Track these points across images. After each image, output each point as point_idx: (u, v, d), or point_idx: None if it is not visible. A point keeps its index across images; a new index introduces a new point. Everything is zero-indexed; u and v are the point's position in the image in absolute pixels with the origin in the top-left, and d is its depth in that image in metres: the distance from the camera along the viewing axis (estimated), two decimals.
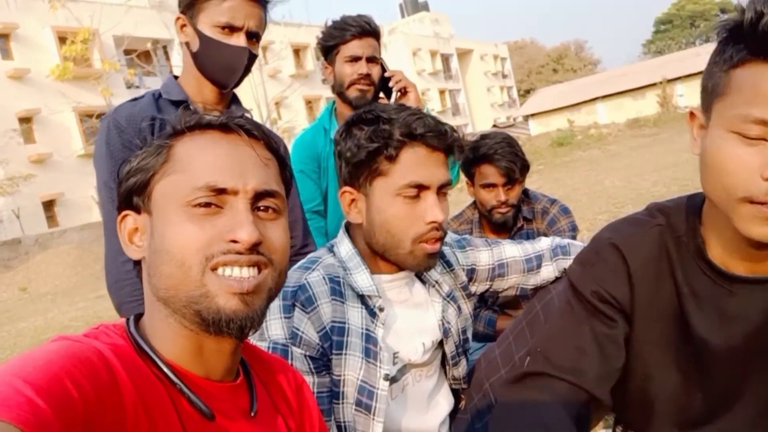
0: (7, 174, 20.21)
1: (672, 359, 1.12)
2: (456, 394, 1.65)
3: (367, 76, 2.28)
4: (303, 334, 1.30)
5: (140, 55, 23.12)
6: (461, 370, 1.61)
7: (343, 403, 1.36)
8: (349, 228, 1.48)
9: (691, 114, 1.01)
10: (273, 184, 0.84)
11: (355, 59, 2.28)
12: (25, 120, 21.45)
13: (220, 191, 0.78)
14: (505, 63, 49.26)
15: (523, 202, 2.49)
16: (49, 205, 21.18)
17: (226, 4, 1.61)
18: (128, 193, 0.83)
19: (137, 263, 0.84)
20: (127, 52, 22.69)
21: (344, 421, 1.36)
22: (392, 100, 2.32)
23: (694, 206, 1.10)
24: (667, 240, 1.10)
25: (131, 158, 0.84)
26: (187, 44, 1.68)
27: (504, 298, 2.53)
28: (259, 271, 0.79)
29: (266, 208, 0.83)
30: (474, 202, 2.57)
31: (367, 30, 2.29)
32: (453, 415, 1.62)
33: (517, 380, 1.18)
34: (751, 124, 0.88)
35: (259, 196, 0.81)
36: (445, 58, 42.94)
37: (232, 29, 1.63)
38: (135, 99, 1.72)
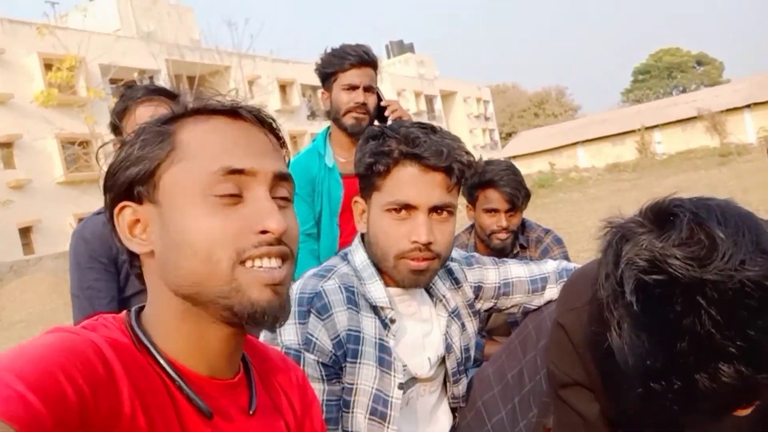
0: None
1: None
2: (454, 412, 1.64)
3: (363, 104, 2.34)
4: (317, 340, 1.29)
5: (126, 84, 23.14)
6: (461, 388, 1.61)
7: (352, 411, 1.35)
8: (363, 238, 1.48)
9: None
10: (286, 168, 0.83)
11: (353, 88, 2.33)
12: (6, 145, 21.19)
13: (238, 172, 0.76)
14: (487, 106, 49.98)
15: (518, 230, 2.53)
16: (25, 232, 20.78)
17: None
18: (129, 183, 0.78)
19: (135, 255, 0.81)
20: (113, 81, 22.63)
21: (352, 430, 1.35)
22: None
23: None
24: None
25: (127, 147, 0.79)
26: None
27: (493, 323, 2.54)
28: (283, 262, 0.77)
29: (282, 197, 0.80)
30: (471, 227, 2.59)
31: (366, 60, 2.34)
32: None
33: None
34: None
35: (276, 179, 0.79)
36: (429, 99, 43.49)
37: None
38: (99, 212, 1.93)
